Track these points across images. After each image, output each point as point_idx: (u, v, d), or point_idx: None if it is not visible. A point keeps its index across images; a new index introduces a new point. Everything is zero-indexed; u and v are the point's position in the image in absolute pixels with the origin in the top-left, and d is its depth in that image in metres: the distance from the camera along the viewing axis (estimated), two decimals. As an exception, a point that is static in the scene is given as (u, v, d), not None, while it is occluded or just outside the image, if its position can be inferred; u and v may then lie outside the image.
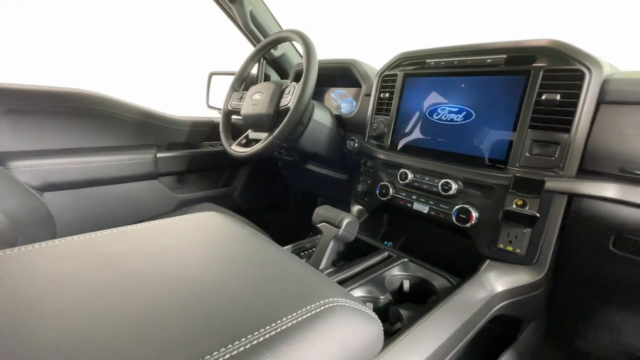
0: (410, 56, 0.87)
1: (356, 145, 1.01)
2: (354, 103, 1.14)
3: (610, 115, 0.58)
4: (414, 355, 0.46)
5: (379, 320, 0.36)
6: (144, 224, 0.49)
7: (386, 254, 0.74)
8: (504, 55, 0.69)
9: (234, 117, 1.13)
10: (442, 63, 0.79)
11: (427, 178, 0.78)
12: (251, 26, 1.17)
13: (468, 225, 0.70)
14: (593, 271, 0.67)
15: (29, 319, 0.26)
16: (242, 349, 0.25)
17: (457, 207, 0.71)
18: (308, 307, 0.31)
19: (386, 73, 0.92)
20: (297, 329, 0.28)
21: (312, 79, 0.85)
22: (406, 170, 0.82)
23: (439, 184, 0.74)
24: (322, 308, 0.32)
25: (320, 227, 0.69)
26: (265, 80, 1.35)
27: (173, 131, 1.26)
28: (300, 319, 0.30)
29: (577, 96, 0.59)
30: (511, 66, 0.68)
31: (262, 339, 0.26)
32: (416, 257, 0.74)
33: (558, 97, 0.61)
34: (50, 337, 0.24)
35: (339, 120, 1.09)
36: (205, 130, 1.36)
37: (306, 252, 0.75)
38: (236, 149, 1.00)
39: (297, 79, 1.30)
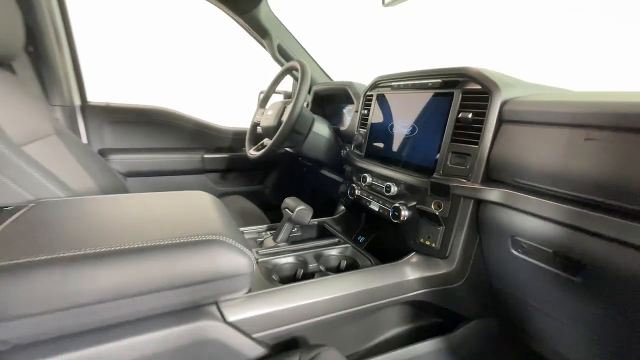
0: (383, 79, 1.02)
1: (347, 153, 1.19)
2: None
3: (507, 132, 0.67)
4: (293, 297, 0.64)
5: (250, 255, 0.56)
6: (152, 193, 0.78)
7: (336, 239, 0.91)
8: (440, 80, 0.81)
9: (259, 127, 1.43)
10: (401, 85, 0.93)
11: (379, 181, 0.93)
12: (277, 56, 1.46)
13: (398, 221, 0.82)
14: (507, 272, 0.73)
15: (56, 223, 0.55)
16: (122, 247, 0.48)
17: (394, 205, 0.85)
18: (190, 237, 0.52)
19: (367, 93, 1.08)
20: (168, 247, 0.49)
21: (301, 99, 1.07)
22: (366, 175, 0.97)
23: (384, 186, 0.89)
24: (201, 239, 0.53)
25: (283, 212, 0.91)
26: None
27: (218, 137, 1.62)
28: (176, 241, 0.50)
29: (484, 115, 0.69)
30: (443, 89, 0.80)
31: (135, 245, 0.49)
32: (374, 250, 0.88)
33: (470, 115, 0.71)
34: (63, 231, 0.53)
35: (337, 132, 1.28)
36: (244, 138, 1.69)
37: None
38: (251, 153, 1.29)
39: (315, 96, 1.54)
